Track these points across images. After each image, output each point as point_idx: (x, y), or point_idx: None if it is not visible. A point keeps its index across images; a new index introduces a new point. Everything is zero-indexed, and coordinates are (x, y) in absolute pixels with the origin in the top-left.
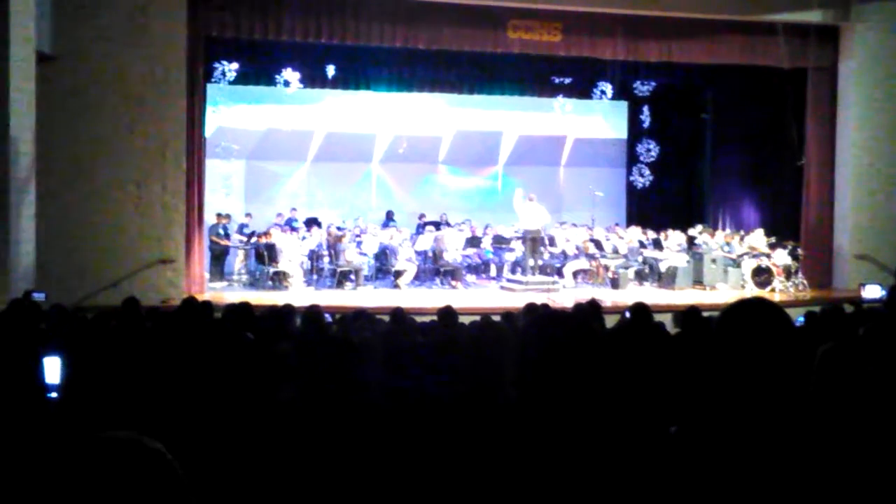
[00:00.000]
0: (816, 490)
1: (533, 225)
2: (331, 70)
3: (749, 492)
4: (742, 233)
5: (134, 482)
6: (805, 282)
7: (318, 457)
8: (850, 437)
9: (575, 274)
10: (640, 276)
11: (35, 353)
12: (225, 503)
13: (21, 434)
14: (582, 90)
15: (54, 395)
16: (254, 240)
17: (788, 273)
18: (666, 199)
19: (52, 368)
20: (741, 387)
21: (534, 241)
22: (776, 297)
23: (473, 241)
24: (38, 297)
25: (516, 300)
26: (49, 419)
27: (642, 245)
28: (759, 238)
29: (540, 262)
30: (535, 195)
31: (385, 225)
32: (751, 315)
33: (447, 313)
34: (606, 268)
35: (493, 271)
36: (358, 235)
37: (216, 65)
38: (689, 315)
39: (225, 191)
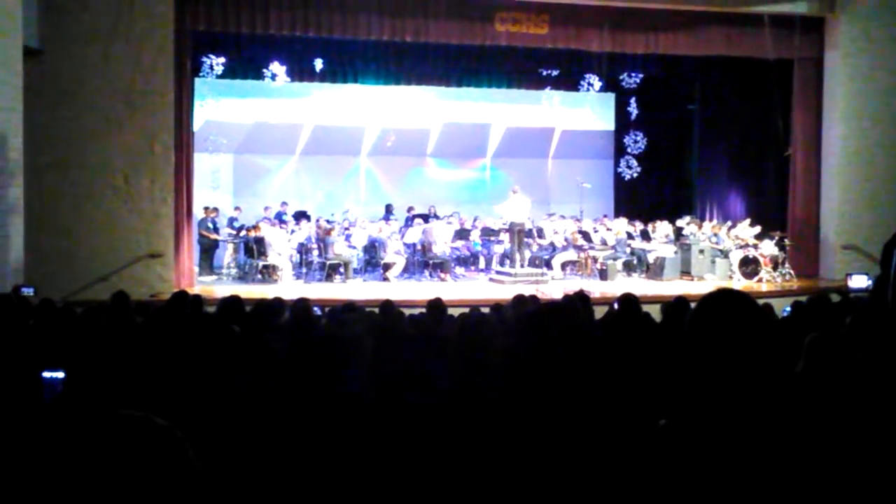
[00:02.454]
0: (805, 479)
1: (517, 217)
2: (318, 63)
3: (738, 483)
4: (729, 224)
5: (146, 457)
6: (792, 272)
7: (307, 448)
8: (838, 424)
9: (563, 265)
10: (629, 268)
11: (27, 351)
12: (218, 494)
13: (20, 427)
14: (569, 82)
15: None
16: (243, 233)
17: (776, 263)
18: (653, 190)
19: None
20: (720, 378)
21: (519, 234)
22: (763, 288)
23: (462, 234)
24: (27, 291)
25: (505, 292)
26: (45, 415)
27: (630, 236)
28: (746, 229)
29: (528, 254)
30: (518, 187)
31: (386, 219)
32: (719, 307)
33: (436, 306)
34: (595, 259)
35: (481, 263)
36: (347, 228)
37: (203, 59)
38: (676, 306)
39: (213, 184)
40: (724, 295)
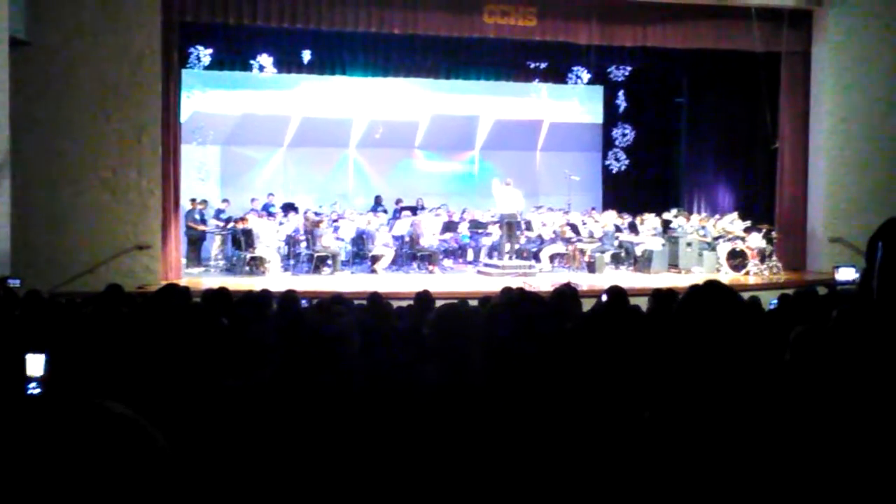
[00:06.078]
0: (790, 470)
1: (509, 209)
2: (306, 55)
3: (722, 475)
4: (717, 216)
5: (98, 449)
6: (779, 265)
7: (294, 442)
8: (824, 417)
9: (551, 258)
10: (616, 260)
11: (13, 342)
12: (202, 488)
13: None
14: (558, 75)
15: (35, 389)
16: (231, 225)
17: (763, 256)
18: (641, 183)
19: (34, 363)
20: (705, 369)
21: (510, 226)
22: (750, 280)
23: (450, 226)
24: (14, 283)
25: (493, 284)
26: (28, 406)
27: (618, 229)
28: (733, 221)
29: (517, 247)
30: (511, 180)
31: (374, 211)
32: (705, 299)
33: (424, 298)
34: (583, 252)
35: (469, 256)
36: (335, 220)
37: (191, 50)
38: (665, 297)
39: (201, 176)
40: (709, 288)
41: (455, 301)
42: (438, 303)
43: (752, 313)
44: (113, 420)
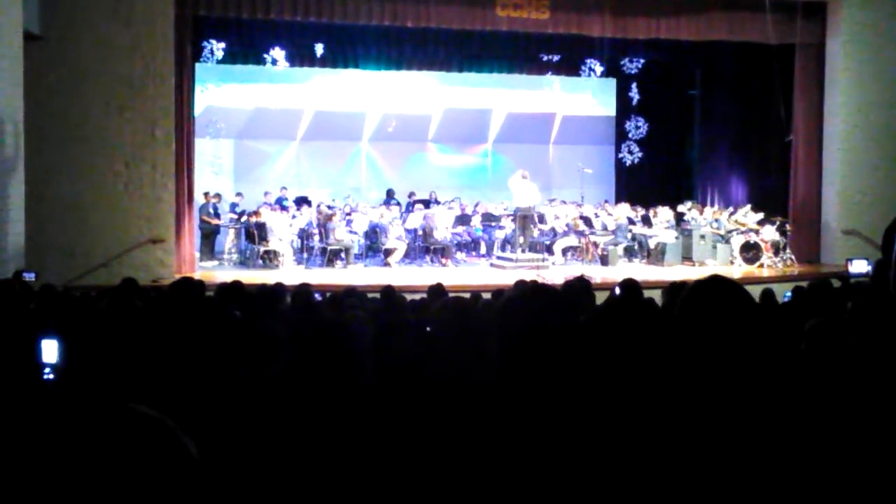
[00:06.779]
0: (802, 463)
1: (525, 202)
2: (319, 48)
3: (733, 469)
4: (731, 209)
5: (128, 451)
6: (793, 257)
7: (306, 435)
8: (840, 406)
9: (564, 251)
10: (630, 253)
11: (29, 333)
12: (216, 482)
13: (17, 414)
14: (570, 67)
15: (50, 375)
16: (244, 219)
17: (776, 248)
18: (655, 175)
19: (49, 349)
20: (711, 365)
21: (524, 219)
22: (764, 273)
23: (463, 219)
24: (29, 276)
25: (506, 277)
26: (45, 398)
27: (631, 222)
28: (747, 214)
29: (530, 240)
30: (528, 173)
31: (387, 204)
32: (709, 294)
33: (437, 291)
34: (596, 245)
35: (482, 249)
36: (348, 214)
37: (204, 44)
38: (679, 289)
39: (214, 170)
40: (714, 282)
41: (458, 295)
42: (452, 296)
43: (759, 306)
44: (145, 423)
